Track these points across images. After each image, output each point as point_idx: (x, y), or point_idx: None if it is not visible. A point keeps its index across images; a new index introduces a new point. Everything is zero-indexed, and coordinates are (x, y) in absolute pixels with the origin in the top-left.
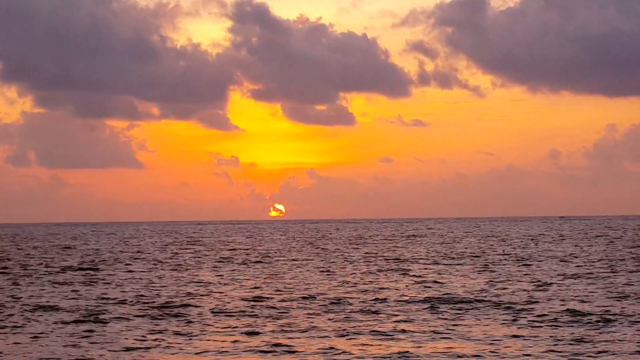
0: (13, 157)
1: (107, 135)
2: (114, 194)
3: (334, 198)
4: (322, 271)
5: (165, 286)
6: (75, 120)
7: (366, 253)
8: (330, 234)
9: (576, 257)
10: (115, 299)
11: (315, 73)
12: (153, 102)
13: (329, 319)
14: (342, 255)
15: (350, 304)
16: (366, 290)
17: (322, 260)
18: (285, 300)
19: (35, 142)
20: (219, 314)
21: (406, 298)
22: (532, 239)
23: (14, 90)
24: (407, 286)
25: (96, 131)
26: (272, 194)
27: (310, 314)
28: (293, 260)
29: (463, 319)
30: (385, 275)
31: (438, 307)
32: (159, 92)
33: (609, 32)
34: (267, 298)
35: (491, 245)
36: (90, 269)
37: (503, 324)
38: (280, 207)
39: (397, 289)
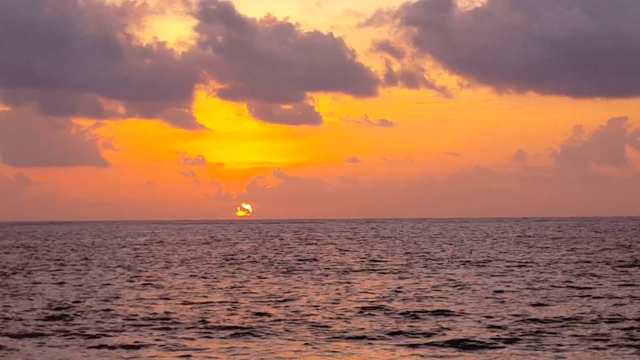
0: None
1: (72, 133)
2: (80, 192)
3: (301, 198)
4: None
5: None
6: (41, 118)
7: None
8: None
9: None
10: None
11: (282, 72)
12: (119, 100)
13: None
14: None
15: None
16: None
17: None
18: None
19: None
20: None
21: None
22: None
23: None
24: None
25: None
26: (239, 194)
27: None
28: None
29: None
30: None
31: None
32: (125, 91)
33: (575, 33)
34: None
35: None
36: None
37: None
38: (247, 206)
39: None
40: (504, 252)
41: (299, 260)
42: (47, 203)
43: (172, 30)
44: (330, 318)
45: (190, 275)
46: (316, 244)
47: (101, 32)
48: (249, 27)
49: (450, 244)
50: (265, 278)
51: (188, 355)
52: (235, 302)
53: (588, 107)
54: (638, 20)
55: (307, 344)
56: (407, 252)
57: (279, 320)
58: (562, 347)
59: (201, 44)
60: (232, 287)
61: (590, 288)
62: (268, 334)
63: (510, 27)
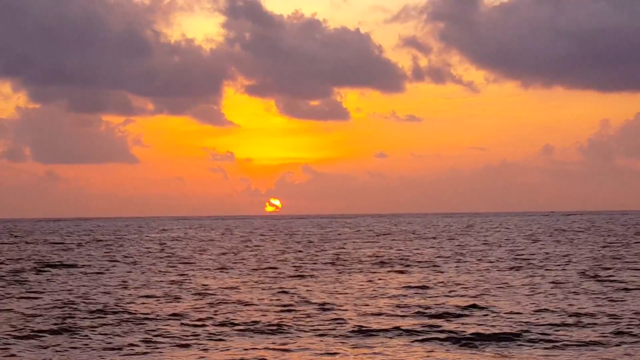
0: (8, 152)
1: (102, 130)
2: (109, 188)
3: (330, 193)
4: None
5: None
6: (70, 115)
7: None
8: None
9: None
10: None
11: (309, 68)
12: (147, 97)
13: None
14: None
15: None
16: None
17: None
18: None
19: (30, 138)
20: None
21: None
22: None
23: (8, 86)
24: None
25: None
26: (268, 189)
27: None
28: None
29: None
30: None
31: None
32: (154, 88)
33: (601, 27)
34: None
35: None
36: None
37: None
38: (276, 202)
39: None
40: (532, 247)
41: (325, 255)
42: (76, 199)
43: (200, 27)
44: (356, 315)
45: (217, 272)
46: (341, 239)
47: (130, 30)
48: (276, 23)
49: (478, 239)
50: (291, 274)
51: (211, 353)
52: (260, 299)
53: (615, 101)
54: None
55: (330, 337)
56: (434, 247)
57: (304, 317)
58: (586, 343)
59: (229, 40)
60: (257, 283)
61: (617, 282)
62: (293, 331)
63: (536, 21)
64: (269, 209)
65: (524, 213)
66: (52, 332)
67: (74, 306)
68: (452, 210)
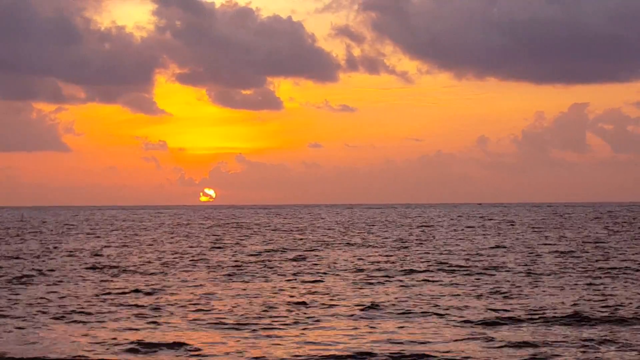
0: None
1: (33, 118)
2: (41, 177)
3: (264, 183)
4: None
5: None
6: (0, 103)
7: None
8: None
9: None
10: None
11: (242, 57)
12: (79, 85)
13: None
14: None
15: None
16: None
17: None
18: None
19: None
20: None
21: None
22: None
23: None
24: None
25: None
26: (202, 179)
27: None
28: None
29: None
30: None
31: None
32: (85, 75)
33: (535, 18)
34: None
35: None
36: None
37: None
38: (211, 192)
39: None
40: (459, 240)
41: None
42: (7, 188)
43: (131, 15)
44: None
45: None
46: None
47: (60, 16)
48: (208, 11)
49: (405, 231)
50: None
51: None
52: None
53: (549, 93)
54: (597, 5)
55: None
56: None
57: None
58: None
59: (160, 28)
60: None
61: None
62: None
63: (469, 12)
64: (203, 199)
65: (458, 204)
66: None
67: None
68: (387, 201)
